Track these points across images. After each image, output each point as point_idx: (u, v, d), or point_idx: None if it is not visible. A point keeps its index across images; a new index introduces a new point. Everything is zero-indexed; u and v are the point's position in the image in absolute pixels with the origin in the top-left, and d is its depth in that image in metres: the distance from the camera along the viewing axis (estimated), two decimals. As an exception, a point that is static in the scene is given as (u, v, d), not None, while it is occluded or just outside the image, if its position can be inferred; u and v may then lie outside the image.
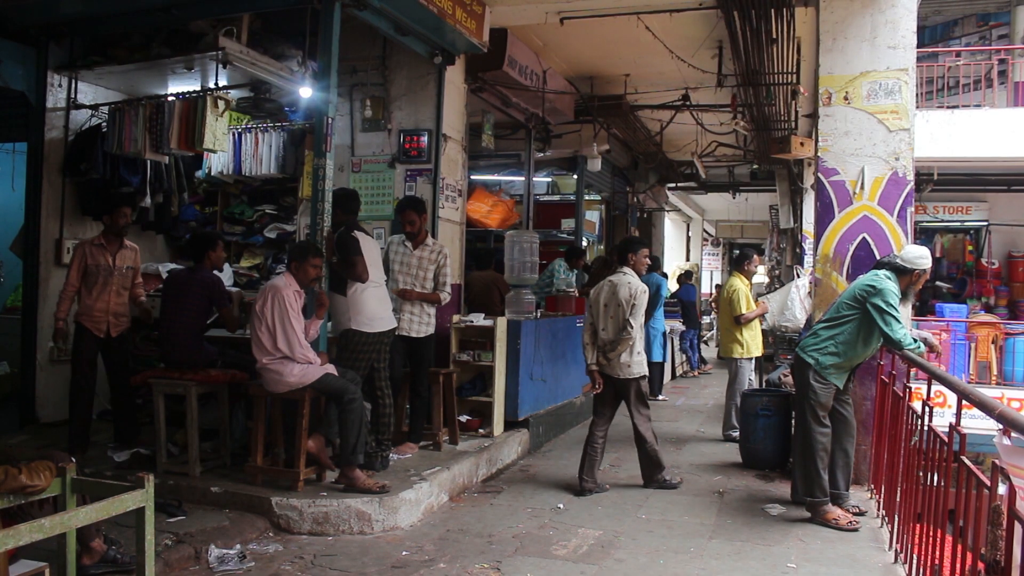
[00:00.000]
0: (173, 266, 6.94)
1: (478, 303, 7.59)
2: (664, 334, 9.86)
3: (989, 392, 6.26)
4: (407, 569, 4.01)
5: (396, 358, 5.62)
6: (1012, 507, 2.54)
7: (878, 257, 5.45)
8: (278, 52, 5.92)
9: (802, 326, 7.06)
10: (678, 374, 12.50)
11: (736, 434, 6.94)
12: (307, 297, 4.90)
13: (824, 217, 5.93)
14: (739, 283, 7.44)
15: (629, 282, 5.53)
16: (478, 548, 4.33)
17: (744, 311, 7.28)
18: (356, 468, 4.72)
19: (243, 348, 5.36)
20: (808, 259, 10.49)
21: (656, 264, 10.55)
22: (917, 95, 6.87)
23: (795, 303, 7.39)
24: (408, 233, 5.72)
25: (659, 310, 9.78)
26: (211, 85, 6.06)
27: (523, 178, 9.50)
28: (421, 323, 5.77)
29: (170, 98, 6.12)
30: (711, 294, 17.85)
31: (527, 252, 7.16)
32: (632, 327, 5.39)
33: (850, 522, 4.76)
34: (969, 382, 9.16)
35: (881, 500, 4.95)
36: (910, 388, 4.47)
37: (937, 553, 3.46)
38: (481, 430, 6.37)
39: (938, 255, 12.87)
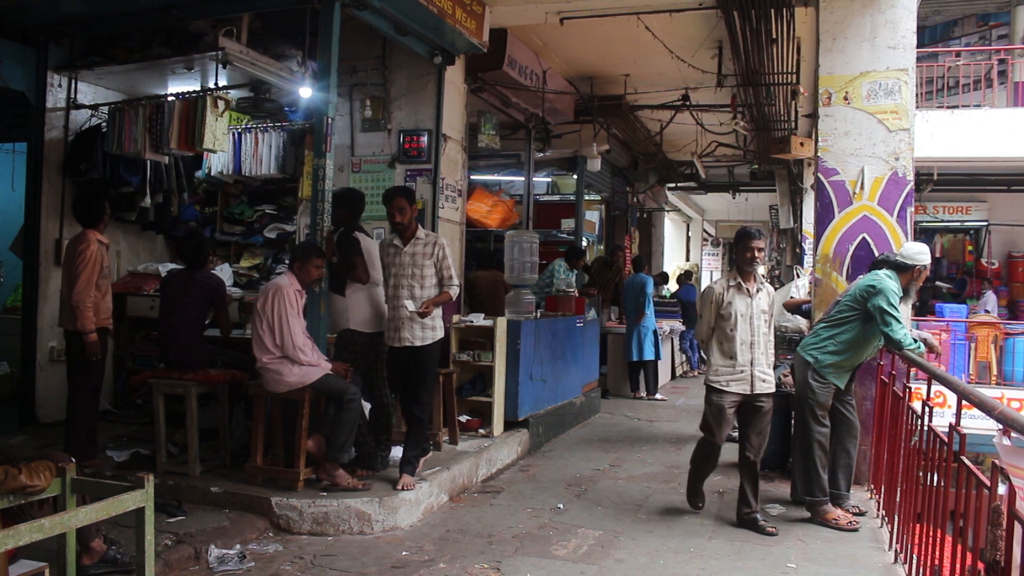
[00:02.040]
0: (173, 266, 6.94)
1: (486, 302, 7.58)
2: (655, 332, 9.85)
3: (989, 392, 6.26)
4: (407, 569, 4.01)
5: (394, 376, 5.12)
6: (1012, 507, 2.54)
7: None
8: (278, 52, 5.93)
9: (802, 326, 7.05)
10: (678, 374, 12.49)
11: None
12: (308, 297, 4.92)
13: (824, 217, 5.93)
14: None
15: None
16: (478, 548, 4.33)
17: None
18: (339, 467, 4.73)
19: (242, 348, 5.35)
20: (808, 259, 10.48)
21: (639, 263, 10.53)
22: (917, 95, 6.88)
23: (795, 303, 7.39)
24: (397, 225, 5.01)
25: (649, 308, 9.79)
26: (211, 85, 6.06)
27: (523, 178, 9.50)
28: (425, 327, 4.99)
29: (170, 98, 6.12)
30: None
31: (527, 252, 7.16)
32: None
33: (850, 522, 4.76)
34: (969, 382, 9.16)
35: (881, 500, 4.95)
36: (910, 388, 4.47)
37: (937, 553, 3.46)
38: (481, 430, 6.37)
39: (938, 255, 12.88)
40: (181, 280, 5.36)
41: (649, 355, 9.76)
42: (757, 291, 4.76)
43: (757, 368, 4.72)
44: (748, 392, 4.73)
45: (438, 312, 5.10)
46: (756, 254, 4.75)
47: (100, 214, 5.22)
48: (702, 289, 4.97)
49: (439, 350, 5.21)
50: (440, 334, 5.14)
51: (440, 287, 5.05)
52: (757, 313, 4.74)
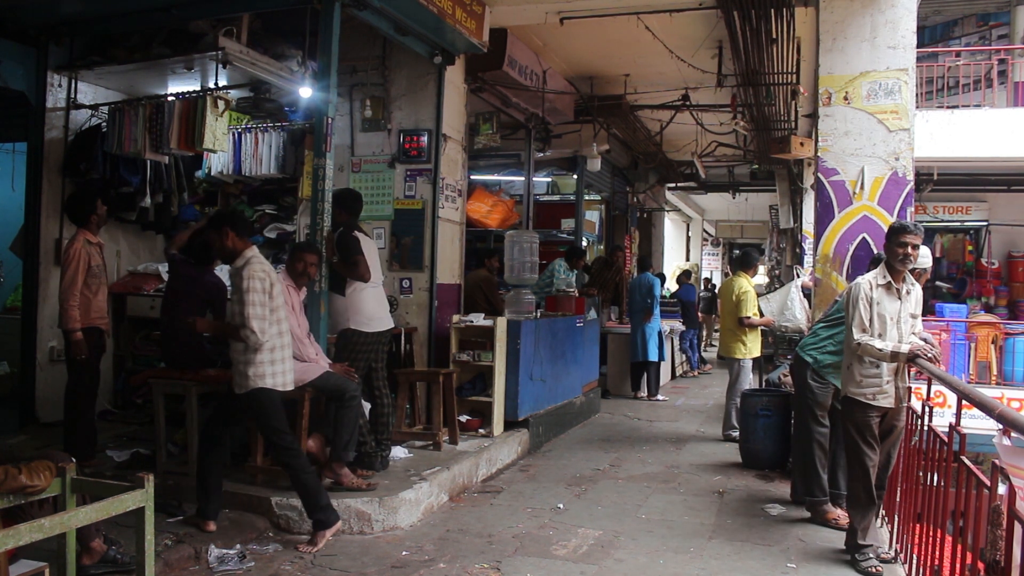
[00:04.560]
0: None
1: (467, 303, 7.57)
2: (660, 333, 9.85)
3: (989, 392, 6.27)
4: (407, 569, 4.01)
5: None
6: (1012, 507, 2.54)
7: (878, 257, 5.45)
8: (278, 52, 5.93)
9: (803, 326, 7.05)
10: (678, 374, 12.50)
11: (736, 434, 6.94)
12: (308, 297, 4.93)
13: (824, 217, 5.93)
14: (747, 284, 7.40)
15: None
16: (478, 548, 4.33)
17: (750, 314, 7.25)
18: (345, 466, 4.72)
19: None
20: (808, 259, 10.48)
21: (645, 263, 10.51)
22: (917, 95, 6.88)
23: (795, 303, 7.38)
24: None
25: (657, 308, 9.78)
26: (211, 85, 6.05)
27: (523, 178, 9.50)
28: (238, 372, 4.12)
29: (170, 98, 6.12)
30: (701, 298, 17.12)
31: (527, 252, 7.16)
32: None
33: (850, 522, 4.75)
34: (969, 382, 9.16)
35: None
36: (910, 388, 4.47)
37: (937, 553, 3.46)
38: (481, 430, 6.38)
39: (938, 255, 12.87)
40: (187, 280, 5.34)
41: (653, 356, 9.75)
42: (907, 292, 4.22)
43: (901, 379, 4.20)
44: (892, 407, 4.19)
45: (263, 358, 4.09)
46: (910, 252, 4.10)
47: (89, 214, 5.25)
48: (850, 288, 4.36)
49: (272, 406, 4.15)
50: (260, 383, 4.08)
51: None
52: (905, 317, 4.19)
